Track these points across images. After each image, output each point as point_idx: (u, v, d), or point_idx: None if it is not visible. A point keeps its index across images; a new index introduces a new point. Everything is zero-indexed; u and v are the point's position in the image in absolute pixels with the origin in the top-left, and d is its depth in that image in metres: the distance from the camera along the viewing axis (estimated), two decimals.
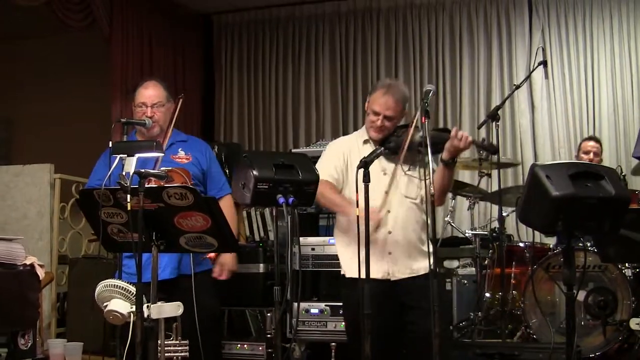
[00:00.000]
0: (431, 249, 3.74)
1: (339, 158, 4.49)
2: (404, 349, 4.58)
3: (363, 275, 3.80)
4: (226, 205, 4.66)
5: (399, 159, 4.24)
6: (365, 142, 4.52)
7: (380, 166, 4.35)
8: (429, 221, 3.83)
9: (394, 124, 4.43)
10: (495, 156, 5.80)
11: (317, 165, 4.44)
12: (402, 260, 4.34)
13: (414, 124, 4.14)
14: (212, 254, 4.58)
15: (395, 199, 4.35)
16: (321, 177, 4.15)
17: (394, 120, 4.41)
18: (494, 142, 5.76)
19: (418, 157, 4.21)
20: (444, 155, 4.20)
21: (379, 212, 4.27)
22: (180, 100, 4.66)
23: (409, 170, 4.38)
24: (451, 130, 4.21)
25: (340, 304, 5.45)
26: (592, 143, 6.93)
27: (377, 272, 4.24)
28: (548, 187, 3.30)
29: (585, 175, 3.39)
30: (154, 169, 4.01)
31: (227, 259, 4.79)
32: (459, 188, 6.75)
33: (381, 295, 4.24)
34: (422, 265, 4.32)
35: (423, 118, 3.89)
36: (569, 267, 3.47)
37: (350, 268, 4.32)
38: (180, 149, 4.70)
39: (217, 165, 4.95)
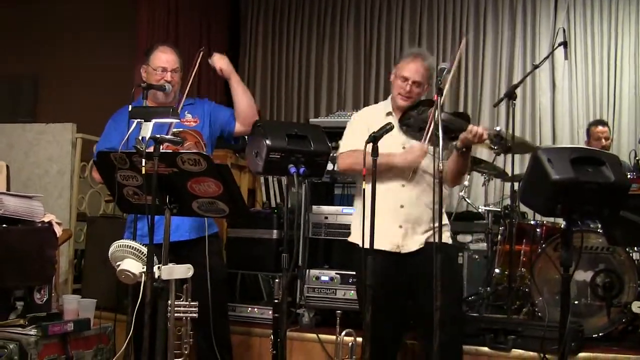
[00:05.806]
0: (436, 225, 3.80)
1: (362, 131, 4.25)
2: (412, 321, 4.68)
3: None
4: None
5: (425, 138, 4.14)
6: (389, 114, 4.48)
7: (400, 141, 4.33)
8: (435, 198, 3.85)
9: (421, 92, 4.40)
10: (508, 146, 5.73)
11: (343, 139, 4.51)
12: (411, 235, 4.36)
13: (438, 104, 4.19)
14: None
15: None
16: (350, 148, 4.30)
17: (422, 87, 4.38)
18: (506, 132, 5.72)
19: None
20: (458, 143, 4.17)
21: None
22: (201, 53, 4.65)
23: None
24: (468, 115, 4.25)
25: (351, 272, 5.56)
26: (601, 128, 6.94)
27: (386, 244, 4.29)
28: (549, 171, 3.36)
29: (586, 161, 3.45)
30: (167, 134, 4.06)
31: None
32: (475, 164, 6.71)
33: (390, 267, 4.29)
34: (427, 235, 4.34)
35: (435, 96, 3.91)
36: (566, 249, 3.53)
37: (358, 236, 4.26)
38: (187, 112, 4.68)
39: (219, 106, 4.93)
